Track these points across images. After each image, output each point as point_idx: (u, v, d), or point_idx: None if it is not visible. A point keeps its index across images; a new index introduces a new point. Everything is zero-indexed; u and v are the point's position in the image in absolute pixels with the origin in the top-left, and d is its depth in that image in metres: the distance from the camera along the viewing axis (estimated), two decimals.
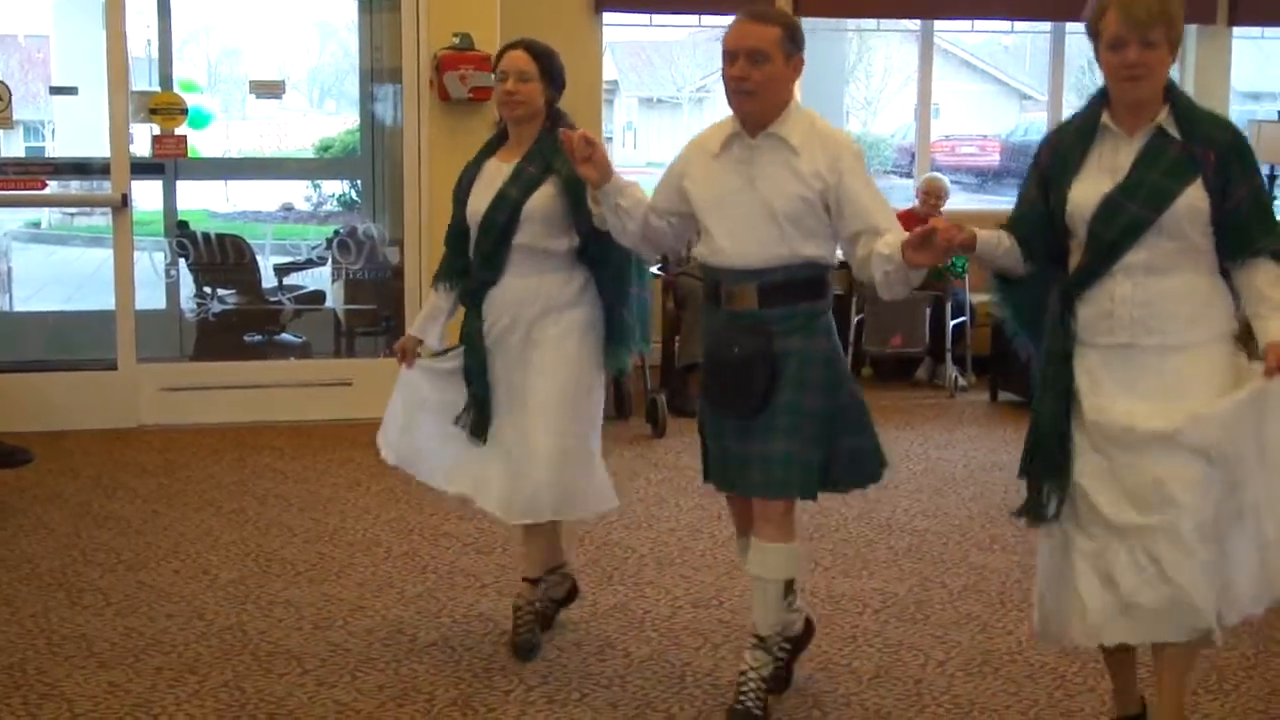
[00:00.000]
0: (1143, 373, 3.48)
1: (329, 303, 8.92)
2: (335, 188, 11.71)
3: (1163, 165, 3.44)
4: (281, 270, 8.93)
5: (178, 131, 7.90)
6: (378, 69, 9.11)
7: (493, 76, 4.57)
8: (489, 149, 4.55)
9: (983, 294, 9.14)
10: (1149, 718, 3.84)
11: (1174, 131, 3.46)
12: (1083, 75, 19.13)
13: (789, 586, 4.06)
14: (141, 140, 8.06)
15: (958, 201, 11.30)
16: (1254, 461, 3.41)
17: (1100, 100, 3.55)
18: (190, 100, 8.22)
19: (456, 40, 7.61)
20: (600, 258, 4.41)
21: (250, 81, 9.26)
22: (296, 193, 13.00)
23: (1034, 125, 16.66)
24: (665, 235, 4.15)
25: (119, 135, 7.57)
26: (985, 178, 18.58)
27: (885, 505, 6.26)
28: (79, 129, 10.93)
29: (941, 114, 18.22)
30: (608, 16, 9.44)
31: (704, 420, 4.12)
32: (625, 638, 4.70)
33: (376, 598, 5.06)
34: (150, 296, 8.46)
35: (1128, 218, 3.43)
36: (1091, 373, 3.53)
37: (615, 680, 4.35)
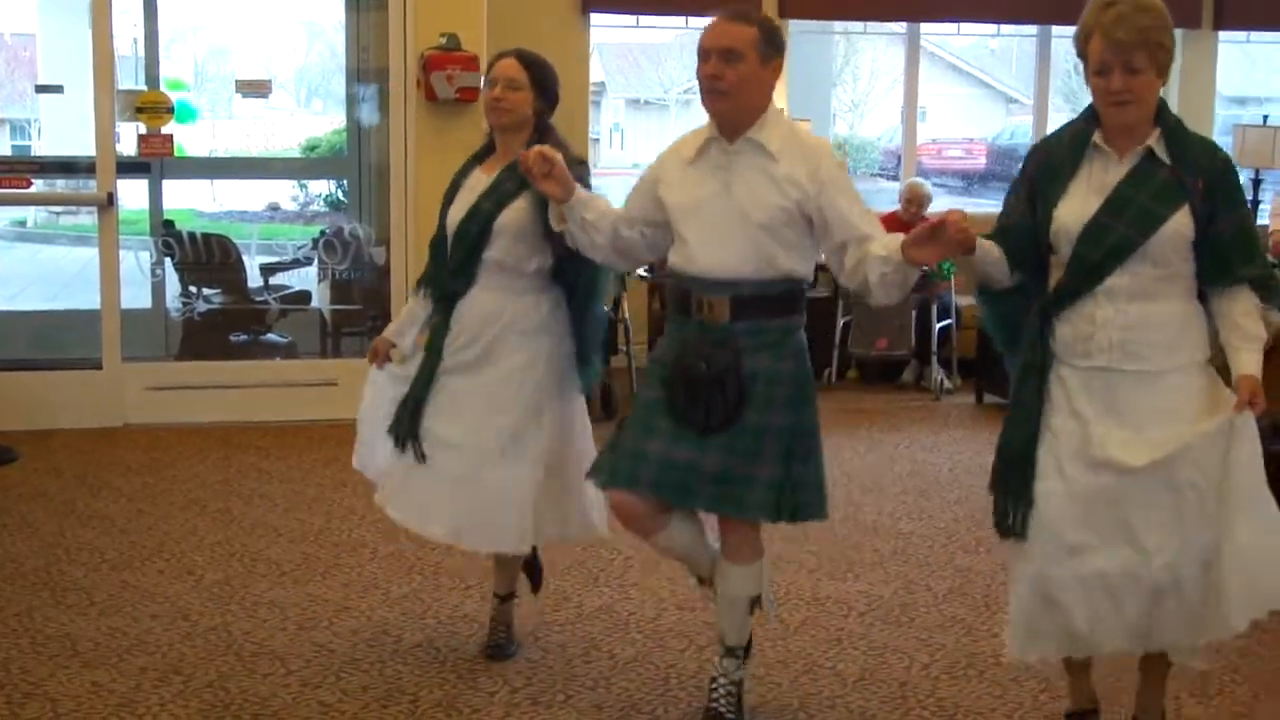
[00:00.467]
0: (1120, 397, 3.48)
1: (315, 303, 8.91)
2: (321, 188, 11.70)
3: (1151, 189, 3.43)
4: (267, 270, 8.91)
5: (164, 130, 7.87)
6: (364, 69, 9.10)
7: (482, 81, 4.53)
8: (477, 158, 4.49)
9: (969, 297, 9.17)
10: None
11: (1164, 155, 3.45)
12: (1069, 79, 19.16)
13: (755, 600, 4.00)
14: (128, 139, 8.04)
15: (944, 205, 11.31)
16: (1221, 493, 3.42)
17: (1092, 118, 3.53)
18: (176, 95, 8.20)
19: (443, 40, 7.61)
20: (573, 278, 4.33)
21: (236, 80, 9.25)
22: (283, 192, 12.98)
23: (1020, 129, 16.70)
24: (637, 246, 4.04)
25: (104, 134, 7.55)
26: (971, 181, 18.61)
27: (870, 508, 6.27)
28: (65, 127, 10.90)
29: (928, 117, 18.24)
30: (595, 18, 9.45)
31: (635, 417, 3.95)
32: (610, 639, 4.70)
33: (362, 598, 5.06)
34: (136, 296, 8.44)
35: (1114, 239, 3.43)
36: (1069, 392, 3.52)
37: (600, 682, 4.35)
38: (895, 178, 12.12)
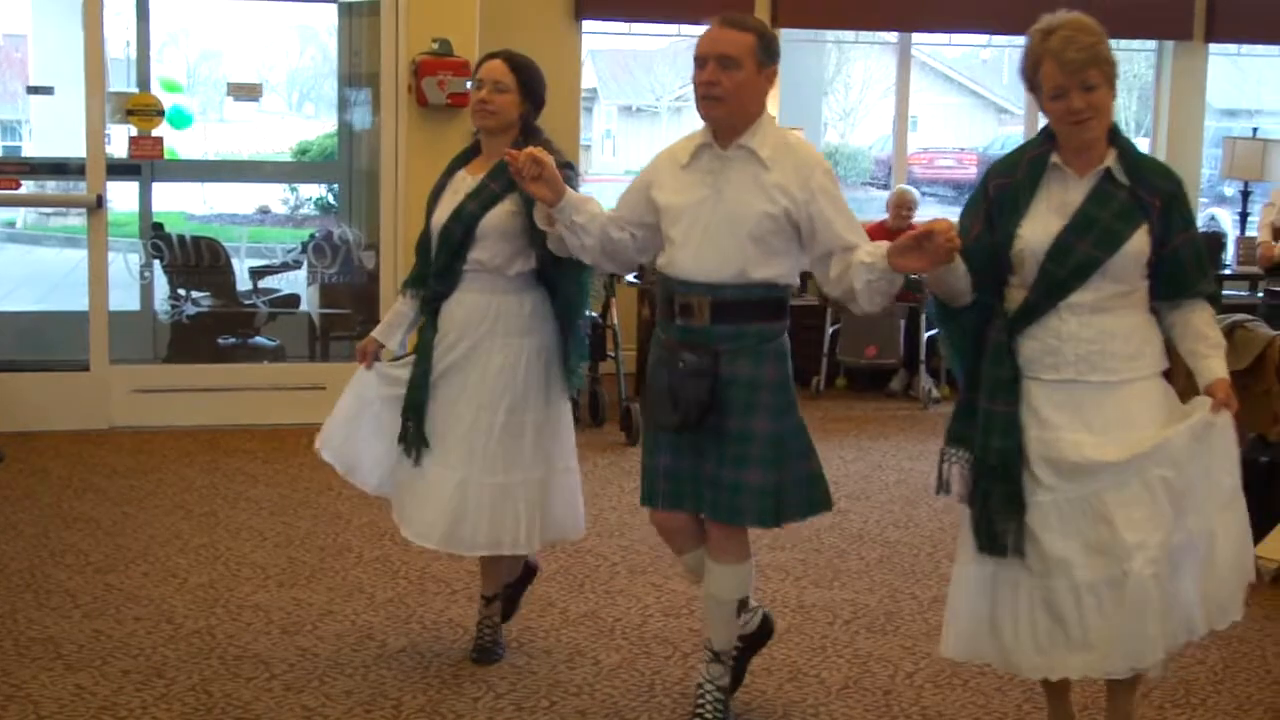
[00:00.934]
0: (1088, 407, 3.55)
1: (304, 306, 8.90)
2: (312, 191, 11.68)
3: (1113, 209, 3.52)
4: (257, 273, 8.90)
5: (154, 133, 7.87)
6: (356, 73, 9.10)
7: (469, 84, 4.52)
8: (461, 160, 4.50)
9: None
10: None
11: (1121, 176, 3.55)
12: None
13: (743, 603, 4.03)
14: (119, 141, 8.03)
15: (936, 215, 11.33)
16: (1200, 493, 3.50)
17: (1049, 139, 3.61)
18: (172, 100, 8.19)
19: (435, 46, 7.61)
20: (557, 281, 4.34)
21: (228, 84, 9.23)
22: (273, 196, 12.96)
23: (1011, 139, 16.70)
24: (627, 247, 4.04)
25: (95, 136, 7.54)
26: (962, 190, 18.59)
27: (857, 516, 6.27)
28: (56, 129, 10.88)
29: (919, 126, 18.26)
30: (587, 24, 9.46)
31: (653, 439, 4.02)
32: (595, 646, 4.69)
33: (346, 603, 5.05)
34: (125, 298, 8.43)
35: (1079, 257, 3.51)
36: (1037, 407, 3.57)
37: (584, 688, 4.35)
38: (886, 186, 12.12)
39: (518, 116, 4.35)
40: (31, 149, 15.06)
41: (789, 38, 9.89)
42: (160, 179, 9.24)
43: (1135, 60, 12.60)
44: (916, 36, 10.48)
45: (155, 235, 8.54)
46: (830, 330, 8.88)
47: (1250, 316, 6.78)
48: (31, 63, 14.43)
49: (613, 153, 21.43)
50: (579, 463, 4.59)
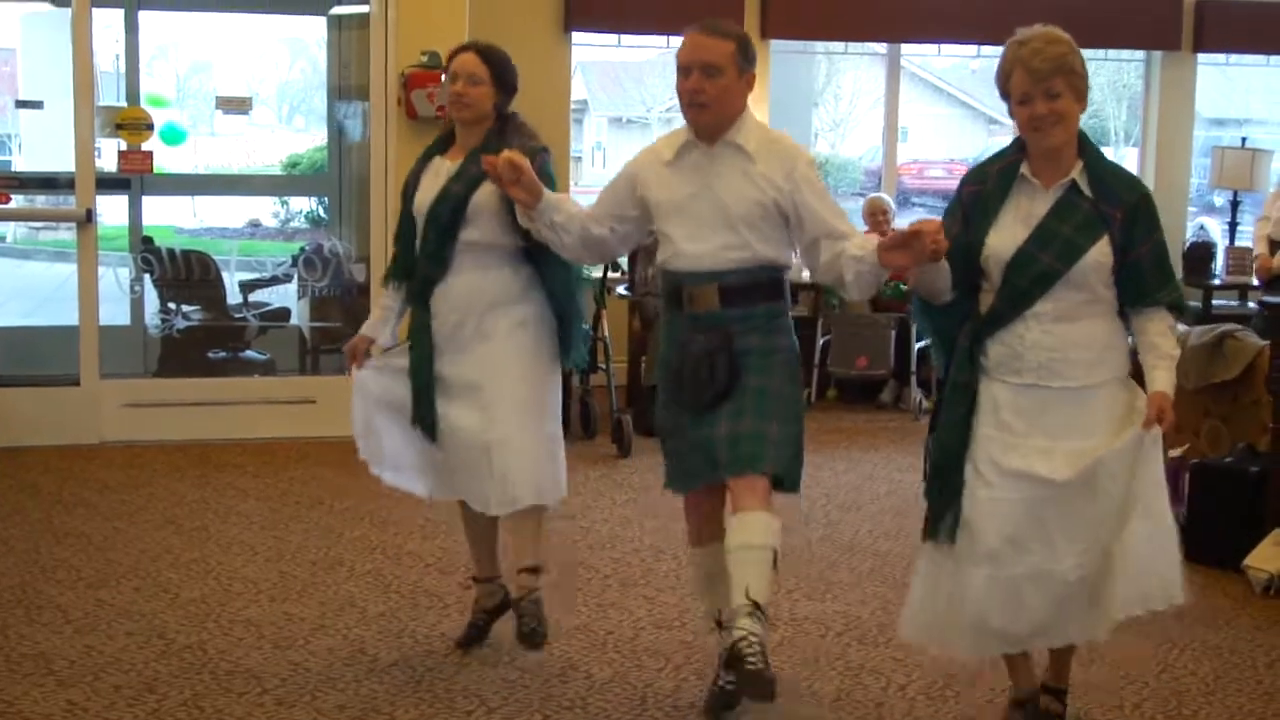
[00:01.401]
0: (1048, 411, 3.73)
1: (294, 320, 8.89)
2: (303, 204, 11.68)
3: (1074, 221, 3.69)
4: (247, 287, 8.89)
5: (144, 147, 7.86)
6: (346, 86, 9.10)
7: (443, 77, 4.59)
8: (436, 147, 4.59)
9: None
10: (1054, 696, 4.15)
11: (1086, 188, 3.71)
12: None
13: (775, 554, 3.89)
14: (108, 155, 8.03)
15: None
16: (1118, 497, 3.69)
17: (1020, 150, 3.77)
18: (165, 116, 8.19)
19: (424, 58, 7.62)
20: (544, 256, 4.41)
21: (217, 97, 9.24)
22: (264, 209, 12.96)
23: (1001, 149, 16.68)
24: (607, 242, 4.20)
25: (84, 150, 7.54)
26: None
27: (848, 527, 6.27)
28: (45, 143, 10.87)
29: (909, 137, 18.28)
30: (576, 36, 9.47)
31: (663, 424, 4.17)
32: (588, 659, 4.69)
33: (338, 617, 5.04)
34: (115, 312, 8.42)
35: (1040, 269, 3.68)
36: (998, 406, 3.77)
37: (577, 702, 4.35)
38: None
39: (492, 106, 4.47)
40: (21, 163, 15.04)
41: (778, 49, 9.91)
42: (150, 193, 9.24)
43: (1124, 70, 12.65)
44: (906, 47, 10.50)
45: (145, 249, 8.53)
46: (821, 341, 8.88)
47: (1240, 326, 6.81)
48: (20, 77, 14.41)
49: (603, 164, 21.45)
50: (570, 475, 4.68)
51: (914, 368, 8.82)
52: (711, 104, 3.91)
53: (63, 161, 7.74)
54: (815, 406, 8.80)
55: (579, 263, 4.41)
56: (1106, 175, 3.75)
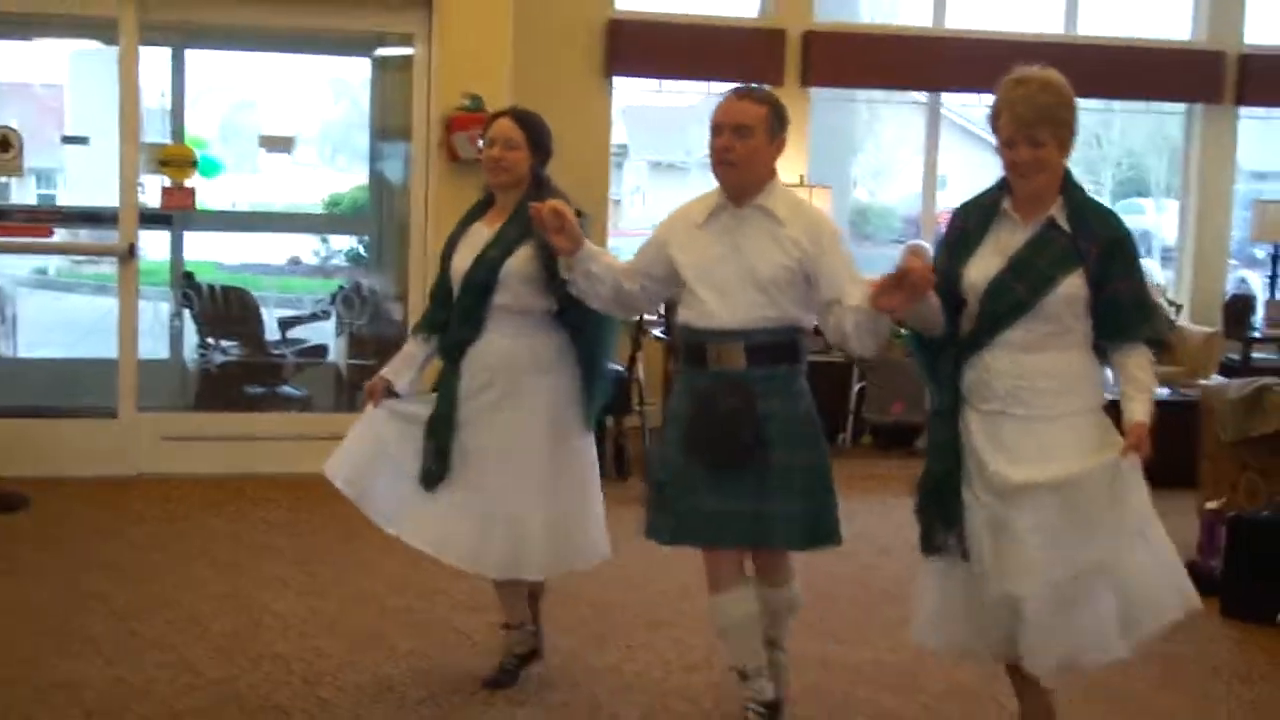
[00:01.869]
0: (1013, 438, 3.82)
1: (331, 356, 8.93)
2: (343, 243, 11.74)
3: (1049, 255, 3.78)
4: (285, 323, 8.95)
5: (187, 184, 7.93)
6: (388, 127, 9.17)
7: (480, 141, 4.69)
8: (475, 213, 4.70)
9: None
10: None
11: (1064, 223, 3.80)
12: (1089, 149, 19.18)
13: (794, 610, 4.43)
14: (152, 191, 8.10)
15: None
16: (1110, 525, 3.74)
17: (1004, 186, 3.89)
18: (203, 150, 8.28)
19: (467, 101, 7.67)
20: (578, 321, 4.53)
21: (260, 136, 9.33)
22: (304, 247, 13.03)
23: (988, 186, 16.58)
24: (637, 298, 4.36)
25: (128, 185, 7.62)
26: None
27: (882, 573, 6.24)
28: (90, 178, 10.99)
29: (948, 184, 18.28)
30: (618, 81, 9.52)
31: (661, 475, 4.27)
32: (615, 700, 4.67)
33: (367, 653, 5.04)
34: (155, 346, 8.48)
35: (1012, 299, 3.78)
36: (971, 432, 3.88)
37: None
38: None
39: (528, 170, 4.58)
40: (66, 198, 15.20)
41: (819, 96, 9.94)
42: (191, 228, 9.32)
43: (1166, 123, 12.60)
44: (945, 96, 10.51)
45: (186, 284, 8.61)
46: (856, 388, 8.87)
47: (1279, 380, 6.76)
48: (68, 112, 14.59)
49: (643, 207, 21.53)
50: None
51: None
52: (740, 163, 4.09)
53: (106, 196, 7.83)
54: (850, 452, 8.77)
55: (609, 314, 4.51)
56: (1086, 212, 3.83)
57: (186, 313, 8.44)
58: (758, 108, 4.12)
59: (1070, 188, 3.85)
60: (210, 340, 8.57)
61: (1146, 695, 4.87)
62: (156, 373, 8.36)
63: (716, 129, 4.13)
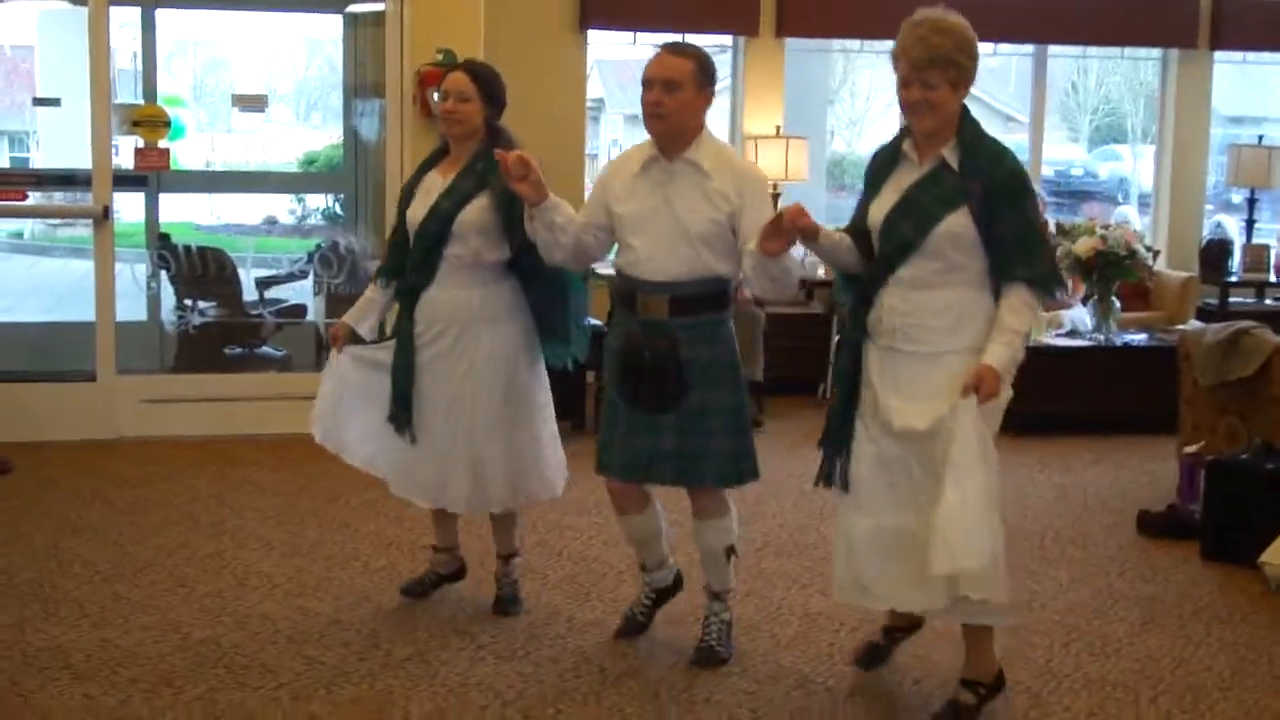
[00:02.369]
0: (901, 374, 3.98)
1: (310, 316, 8.90)
2: (319, 201, 11.70)
3: (935, 193, 3.92)
4: (263, 283, 8.91)
5: (160, 144, 7.88)
6: (362, 84, 9.12)
7: (434, 95, 4.79)
8: (431, 161, 4.86)
9: None
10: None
11: (954, 163, 3.94)
12: (1066, 98, 19.19)
13: (730, 550, 4.57)
14: (125, 152, 8.05)
15: None
16: (944, 460, 3.85)
17: (907, 129, 4.04)
18: (171, 111, 8.22)
19: (440, 56, 7.62)
20: (531, 269, 4.69)
21: (233, 95, 9.27)
22: (280, 206, 12.99)
23: (1018, 146, 16.66)
24: (592, 247, 4.52)
25: (101, 147, 7.56)
26: None
27: None
28: (63, 140, 10.91)
29: None
30: (593, 34, 9.46)
31: (610, 416, 4.51)
32: (601, 653, 4.70)
33: (353, 611, 5.05)
34: (131, 308, 8.44)
35: (899, 236, 3.95)
36: (870, 367, 4.06)
37: (590, 696, 4.35)
38: None
39: (482, 121, 4.71)
40: (39, 160, 15.10)
41: (794, 47, 9.90)
42: (167, 190, 9.27)
43: (1141, 68, 12.61)
44: None
45: (162, 246, 8.57)
46: (835, 339, 8.87)
47: (1256, 323, 6.80)
48: (38, 74, 14.48)
49: None
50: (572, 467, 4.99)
51: None
52: (670, 116, 4.27)
53: (80, 159, 7.77)
54: (829, 401, 8.77)
55: (566, 266, 4.64)
56: (977, 152, 3.93)
57: (163, 274, 8.40)
58: (686, 62, 4.29)
59: (966, 128, 3.96)
60: (188, 302, 8.52)
61: (1127, 638, 4.92)
62: (135, 335, 8.33)
63: (647, 84, 4.29)
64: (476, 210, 4.63)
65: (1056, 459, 7.63)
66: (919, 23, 3.93)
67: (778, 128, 9.47)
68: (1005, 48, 10.83)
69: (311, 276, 8.59)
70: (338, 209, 10.58)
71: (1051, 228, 9.04)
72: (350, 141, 9.65)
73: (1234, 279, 9.96)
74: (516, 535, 5.10)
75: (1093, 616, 5.15)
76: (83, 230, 9.64)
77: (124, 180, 8.09)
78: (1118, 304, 8.42)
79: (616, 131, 21.90)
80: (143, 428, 7.66)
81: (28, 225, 15.71)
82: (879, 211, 4.01)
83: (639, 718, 4.21)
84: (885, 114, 18.76)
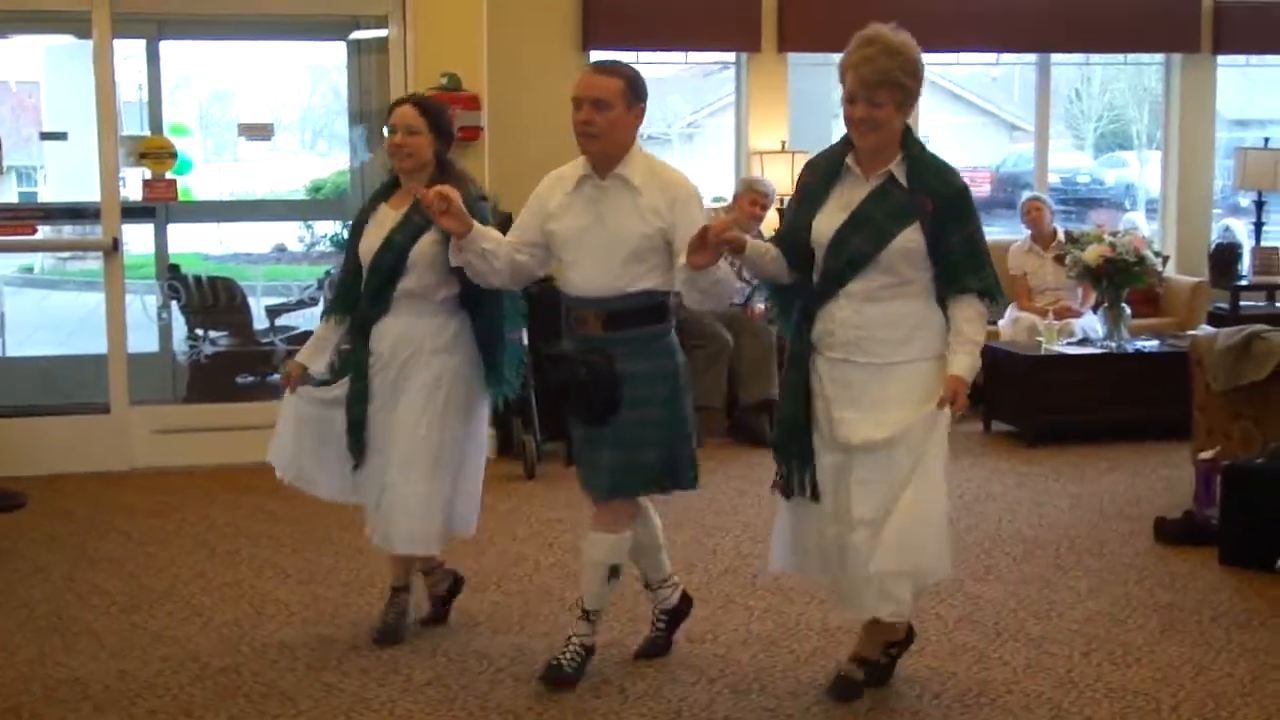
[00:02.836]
0: (855, 385, 4.06)
1: None
2: (327, 228, 11.71)
3: (887, 208, 4.00)
4: (273, 311, 8.93)
5: (168, 175, 7.91)
6: (367, 110, 9.13)
7: (385, 129, 4.89)
8: (382, 194, 4.91)
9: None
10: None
11: (902, 179, 4.02)
12: (1070, 105, 19.19)
13: (614, 570, 4.55)
14: (133, 184, 8.07)
15: None
16: (909, 469, 4.00)
17: (848, 143, 4.10)
18: (185, 143, 8.26)
19: (444, 81, 7.65)
20: (478, 303, 4.78)
21: (239, 124, 9.29)
22: (289, 234, 13.01)
23: (1024, 155, 16.70)
24: (529, 266, 4.55)
25: (109, 180, 7.59)
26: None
27: None
28: (70, 174, 10.95)
29: (931, 145, 18.29)
30: (595, 55, 9.48)
31: (576, 435, 4.57)
32: (621, 674, 4.69)
33: (370, 637, 5.05)
34: (143, 339, 8.46)
35: (852, 251, 4.01)
36: (820, 379, 4.13)
37: (611, 716, 4.35)
38: None
39: (432, 155, 4.76)
40: (47, 194, 15.15)
41: (797, 61, 9.92)
42: (175, 220, 9.29)
43: (1145, 74, 12.60)
44: (925, 56, 10.46)
45: (172, 276, 8.58)
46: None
47: (1268, 327, 6.79)
48: (44, 109, 14.54)
49: None
50: None
51: None
52: (602, 135, 4.31)
53: (88, 192, 7.79)
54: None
55: (507, 288, 4.70)
56: (924, 168, 4.04)
57: (174, 305, 8.42)
58: (614, 81, 4.33)
59: (910, 144, 4.06)
60: (199, 331, 8.55)
61: (1147, 646, 4.90)
62: (147, 366, 8.34)
63: (576, 104, 4.32)
64: (429, 243, 4.68)
65: (1071, 468, 7.61)
66: (871, 40, 4.00)
67: (783, 143, 9.48)
68: (1008, 57, 10.87)
69: (322, 303, 8.60)
70: (345, 235, 10.58)
71: (1060, 236, 9.06)
72: (356, 168, 9.66)
73: (1244, 282, 9.94)
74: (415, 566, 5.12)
75: (1112, 625, 5.13)
76: (93, 263, 9.67)
77: (132, 212, 8.11)
78: (1128, 311, 8.41)
79: None
80: (156, 458, 7.67)
81: (38, 259, 15.75)
82: (826, 226, 4.06)
83: None
84: None
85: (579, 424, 4.49)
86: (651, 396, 4.39)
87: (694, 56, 10.36)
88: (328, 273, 8.89)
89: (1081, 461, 7.75)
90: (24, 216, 8.24)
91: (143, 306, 8.25)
